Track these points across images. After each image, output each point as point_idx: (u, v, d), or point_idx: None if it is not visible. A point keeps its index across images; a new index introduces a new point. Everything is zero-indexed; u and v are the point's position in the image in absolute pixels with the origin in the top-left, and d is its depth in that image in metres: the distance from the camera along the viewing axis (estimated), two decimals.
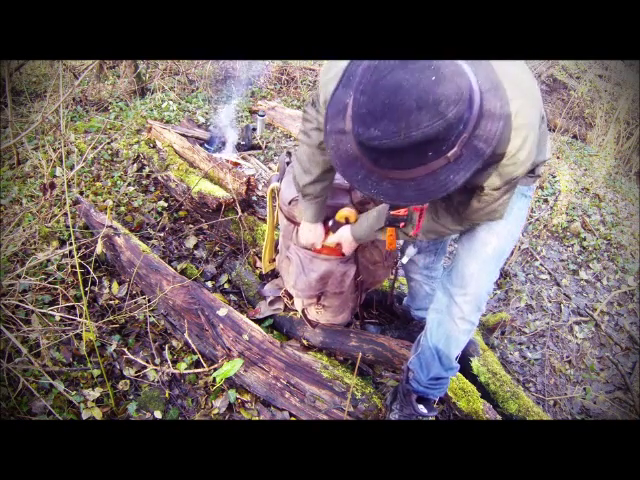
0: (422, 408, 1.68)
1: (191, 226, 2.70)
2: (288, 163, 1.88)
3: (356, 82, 0.90)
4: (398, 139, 0.84)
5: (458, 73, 0.87)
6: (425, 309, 1.83)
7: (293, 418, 1.80)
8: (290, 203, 1.72)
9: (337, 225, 1.65)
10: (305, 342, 2.05)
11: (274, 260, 2.22)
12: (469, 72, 0.90)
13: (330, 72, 1.18)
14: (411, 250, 1.55)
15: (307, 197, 1.52)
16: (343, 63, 1.12)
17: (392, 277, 2.12)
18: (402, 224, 1.44)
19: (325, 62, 1.26)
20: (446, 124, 0.85)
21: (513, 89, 1.00)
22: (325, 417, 1.75)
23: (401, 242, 1.87)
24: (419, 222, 1.37)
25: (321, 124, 1.31)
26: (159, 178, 2.92)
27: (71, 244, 2.05)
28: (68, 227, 2.30)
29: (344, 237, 1.64)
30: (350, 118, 0.93)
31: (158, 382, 1.85)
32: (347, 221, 1.63)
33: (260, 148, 3.66)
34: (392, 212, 1.42)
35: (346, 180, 1.02)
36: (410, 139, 0.84)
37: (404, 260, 1.66)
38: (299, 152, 1.45)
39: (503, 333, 2.50)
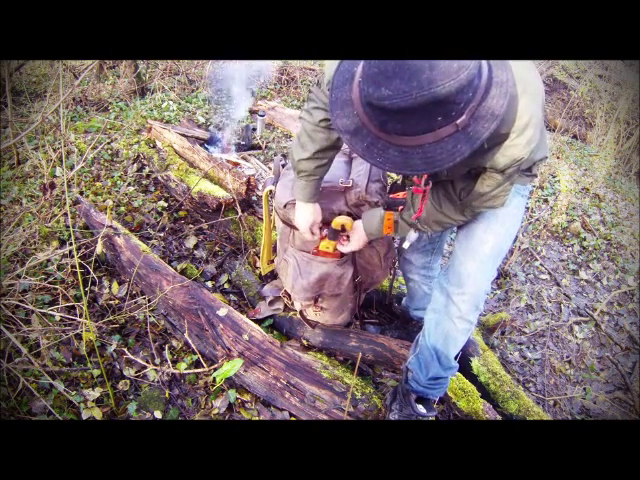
0: (421, 408, 1.68)
1: (191, 226, 2.70)
2: (283, 166, 1.88)
3: None
4: (409, 98, 0.84)
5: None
6: (424, 309, 1.83)
7: (293, 418, 1.80)
8: (285, 206, 1.71)
9: (333, 232, 1.65)
10: (305, 342, 2.05)
11: (272, 261, 2.22)
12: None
13: None
14: (412, 235, 1.54)
15: (301, 174, 1.50)
16: None
17: (391, 277, 2.12)
18: (400, 208, 1.44)
19: None
20: (457, 85, 0.85)
21: (517, 75, 1.02)
22: (325, 417, 1.75)
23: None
24: (421, 205, 1.35)
25: (323, 103, 1.35)
26: (159, 178, 2.92)
27: (71, 244, 2.05)
28: (68, 227, 2.30)
29: (356, 231, 1.61)
30: (357, 84, 0.94)
31: (158, 382, 1.85)
32: (343, 228, 1.63)
33: (260, 148, 3.66)
34: (391, 195, 1.42)
35: (351, 149, 1.02)
36: (422, 98, 0.84)
37: (405, 245, 1.62)
38: (299, 129, 1.47)
39: (503, 333, 2.50)
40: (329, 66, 1.23)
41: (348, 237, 1.66)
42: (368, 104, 0.91)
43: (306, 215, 1.60)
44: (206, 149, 3.34)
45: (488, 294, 1.65)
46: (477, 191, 1.25)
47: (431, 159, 0.94)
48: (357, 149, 1.00)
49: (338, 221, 1.62)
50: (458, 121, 0.90)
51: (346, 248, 1.67)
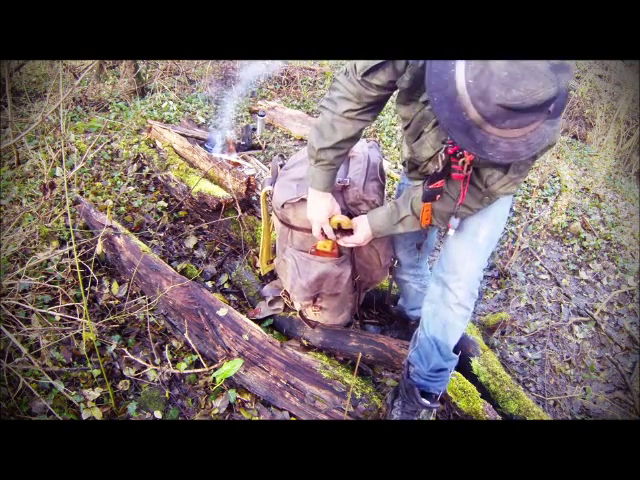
0: (425, 400, 1.69)
1: (191, 226, 2.70)
2: (281, 166, 1.88)
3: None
4: (538, 96, 0.94)
5: None
6: (418, 308, 1.84)
7: (293, 418, 1.80)
8: (283, 206, 1.71)
9: (331, 231, 1.64)
10: (305, 342, 2.05)
11: (272, 261, 2.22)
12: None
13: None
14: (454, 221, 1.55)
15: (320, 162, 1.50)
16: None
17: (390, 277, 2.12)
18: (438, 196, 1.47)
19: None
20: (571, 77, 0.98)
21: None
22: (325, 417, 1.75)
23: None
24: (463, 191, 1.41)
25: (350, 93, 1.37)
26: (159, 178, 2.92)
27: (71, 244, 2.05)
28: (68, 227, 2.30)
29: (360, 225, 1.61)
30: (466, 88, 1.00)
31: (158, 382, 1.85)
32: (339, 227, 1.63)
33: (260, 148, 3.67)
34: (430, 185, 1.44)
35: (462, 145, 1.09)
36: (547, 95, 0.94)
37: (450, 232, 1.63)
38: (320, 118, 1.47)
39: (503, 333, 2.50)
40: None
41: (350, 231, 1.64)
42: (499, 105, 0.97)
43: (325, 204, 1.58)
44: (206, 149, 3.34)
45: (481, 282, 1.69)
46: (505, 179, 1.35)
47: (531, 144, 1.05)
48: (469, 146, 1.07)
49: (335, 220, 1.62)
50: (550, 107, 1.00)
51: (349, 240, 1.65)
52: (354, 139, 1.49)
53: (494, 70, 0.96)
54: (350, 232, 1.65)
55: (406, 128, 1.50)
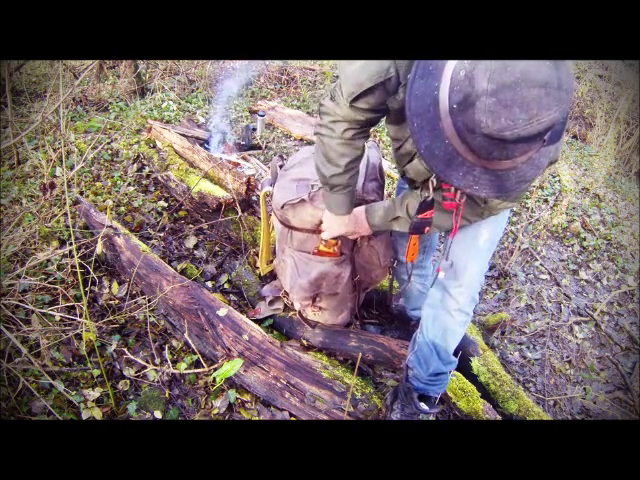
0: (423, 405, 1.69)
1: (191, 226, 2.70)
2: (281, 167, 1.88)
3: (472, 74, 0.86)
4: (529, 127, 0.84)
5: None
6: (420, 308, 1.83)
7: (293, 418, 1.80)
8: (283, 207, 1.71)
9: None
10: (305, 342, 2.05)
11: (271, 262, 2.23)
12: None
13: (356, 62, 1.16)
14: (445, 264, 1.53)
15: (336, 188, 1.46)
16: None
17: (390, 277, 2.12)
18: (427, 229, 1.41)
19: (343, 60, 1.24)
20: (568, 106, 0.86)
21: None
22: (325, 417, 1.75)
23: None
24: (456, 223, 1.34)
25: (342, 116, 1.29)
26: (159, 178, 2.92)
27: (71, 244, 2.05)
28: (68, 227, 2.30)
29: (356, 220, 1.59)
30: (449, 112, 0.90)
31: (158, 382, 1.85)
32: None
33: (260, 148, 3.67)
34: (420, 216, 1.37)
35: (444, 179, 0.99)
36: (541, 125, 0.84)
37: (441, 275, 1.63)
38: (321, 146, 1.40)
39: (503, 333, 2.50)
40: (350, 76, 1.18)
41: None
42: (485, 136, 0.88)
43: (347, 228, 1.58)
44: (206, 149, 3.34)
45: (482, 286, 1.66)
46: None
47: (522, 177, 0.95)
48: (451, 180, 0.98)
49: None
50: (545, 136, 0.90)
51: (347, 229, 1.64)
52: (361, 156, 1.44)
53: (481, 95, 0.84)
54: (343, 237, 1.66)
55: (398, 149, 1.43)
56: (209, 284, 2.37)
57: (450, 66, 0.91)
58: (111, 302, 2.11)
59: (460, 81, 0.88)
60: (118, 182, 2.87)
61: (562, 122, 0.92)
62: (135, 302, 2.06)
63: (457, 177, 0.96)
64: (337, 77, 1.31)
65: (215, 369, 1.85)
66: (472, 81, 0.86)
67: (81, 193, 2.68)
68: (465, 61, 0.88)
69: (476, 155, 0.92)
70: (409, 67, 1.10)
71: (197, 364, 1.95)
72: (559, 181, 3.78)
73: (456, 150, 0.94)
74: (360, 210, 1.59)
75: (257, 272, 2.40)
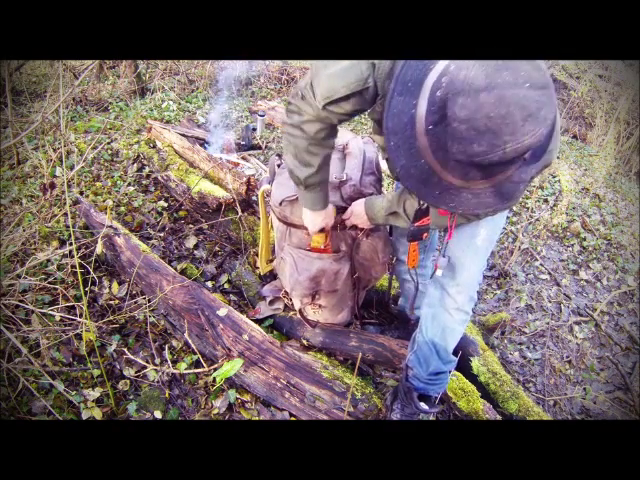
0: (423, 405, 1.69)
1: (191, 226, 2.70)
2: (279, 165, 1.88)
3: (446, 95, 0.84)
4: (502, 153, 0.81)
5: (540, 71, 0.83)
6: (419, 308, 1.83)
7: (293, 418, 1.80)
8: (281, 204, 1.71)
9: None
10: (305, 342, 2.05)
11: (271, 261, 2.22)
12: (544, 67, 0.86)
13: (333, 66, 1.12)
14: (442, 261, 1.53)
15: (310, 187, 1.46)
16: (346, 61, 1.10)
17: (388, 276, 2.12)
18: (425, 235, 1.41)
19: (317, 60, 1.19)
20: (546, 131, 0.83)
21: None
22: (325, 417, 1.75)
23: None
24: (451, 229, 1.33)
25: (315, 116, 1.25)
26: (159, 178, 2.92)
27: (71, 244, 2.05)
28: (68, 227, 2.30)
29: (357, 210, 1.61)
30: (425, 132, 0.88)
31: (158, 382, 1.85)
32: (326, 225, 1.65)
33: (260, 148, 3.67)
34: (416, 223, 1.36)
35: (420, 198, 0.98)
36: (514, 152, 0.82)
37: (439, 273, 1.63)
38: (291, 147, 1.36)
39: (503, 333, 2.50)
40: (326, 79, 1.15)
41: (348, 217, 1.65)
42: (455, 161, 0.86)
43: (324, 220, 1.60)
44: (206, 148, 3.34)
45: (481, 284, 1.67)
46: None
47: (502, 194, 0.93)
48: (428, 199, 0.96)
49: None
50: (526, 155, 0.87)
51: (346, 216, 1.65)
52: (332, 151, 1.42)
53: (454, 120, 0.82)
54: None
55: (387, 159, 1.41)
56: (209, 284, 2.37)
57: (429, 83, 0.89)
58: (111, 302, 2.11)
59: (436, 102, 0.86)
60: (118, 182, 2.87)
61: (547, 136, 0.88)
62: (135, 302, 2.06)
63: (434, 196, 0.95)
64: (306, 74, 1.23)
65: (215, 369, 1.85)
66: (447, 103, 0.84)
67: (81, 193, 2.68)
68: (443, 78, 0.86)
69: (452, 175, 0.91)
70: (388, 79, 1.08)
71: (197, 364, 1.95)
72: (559, 181, 3.78)
73: (432, 170, 0.92)
74: (360, 203, 1.60)
75: (257, 272, 2.40)
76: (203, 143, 3.41)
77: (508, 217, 3.28)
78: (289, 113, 1.32)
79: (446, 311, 1.55)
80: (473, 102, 0.80)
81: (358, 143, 1.88)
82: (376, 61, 1.08)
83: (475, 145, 0.81)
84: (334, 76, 1.13)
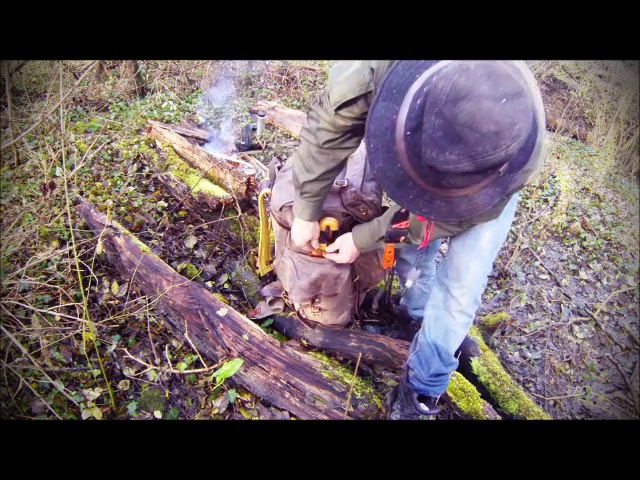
0: (423, 406, 1.69)
1: (191, 226, 2.70)
2: (279, 168, 1.88)
3: (421, 102, 0.87)
4: (474, 163, 0.84)
5: (520, 90, 0.85)
6: (422, 308, 1.83)
7: (293, 418, 1.80)
8: (281, 209, 1.71)
9: (320, 234, 1.67)
10: (305, 342, 2.05)
11: (271, 262, 2.23)
12: (524, 86, 0.87)
13: (343, 73, 1.19)
14: (414, 272, 1.55)
15: (305, 195, 1.50)
16: (357, 65, 1.15)
17: (389, 277, 2.12)
18: (402, 238, 1.45)
19: (332, 67, 1.27)
20: (519, 146, 0.85)
21: (535, 98, 1.01)
22: (325, 417, 1.75)
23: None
24: (427, 234, 1.37)
25: (327, 123, 1.32)
26: (159, 178, 2.92)
27: (71, 244, 2.05)
28: (68, 227, 2.30)
29: (345, 245, 1.63)
30: (403, 137, 0.91)
31: (158, 382, 1.85)
32: (328, 229, 1.65)
33: (260, 148, 3.67)
34: (394, 225, 1.39)
35: (394, 201, 1.01)
36: (486, 163, 0.84)
37: (408, 284, 1.65)
38: (302, 149, 1.43)
39: (503, 333, 2.50)
40: (336, 85, 1.21)
41: (336, 251, 1.68)
42: (428, 167, 0.89)
43: (304, 233, 1.62)
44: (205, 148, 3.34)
45: (485, 287, 1.68)
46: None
47: (474, 205, 0.95)
48: (402, 201, 0.99)
49: (324, 223, 1.64)
50: (501, 169, 0.90)
51: (337, 258, 1.69)
52: (338, 169, 1.46)
53: (429, 127, 0.84)
54: (340, 233, 1.67)
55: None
56: (209, 284, 2.37)
57: (412, 91, 0.91)
58: (111, 302, 2.11)
59: (416, 109, 0.88)
60: (118, 182, 2.87)
61: (524, 152, 0.92)
62: (135, 302, 2.06)
63: (407, 199, 0.98)
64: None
65: (215, 369, 1.85)
66: (424, 111, 0.86)
67: (81, 193, 2.68)
68: (425, 87, 0.88)
69: (425, 181, 0.93)
70: None
71: (197, 364, 1.95)
72: (559, 181, 3.78)
73: (407, 174, 0.95)
74: (347, 238, 1.62)
75: (257, 272, 2.40)
76: (203, 143, 3.41)
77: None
78: (309, 119, 1.38)
79: (449, 313, 1.54)
80: (448, 112, 0.83)
81: (360, 148, 1.88)
82: (374, 66, 1.12)
83: (447, 153, 0.84)
84: (342, 82, 1.19)
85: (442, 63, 0.91)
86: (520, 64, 1.07)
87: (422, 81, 0.90)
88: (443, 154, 0.84)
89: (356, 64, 1.17)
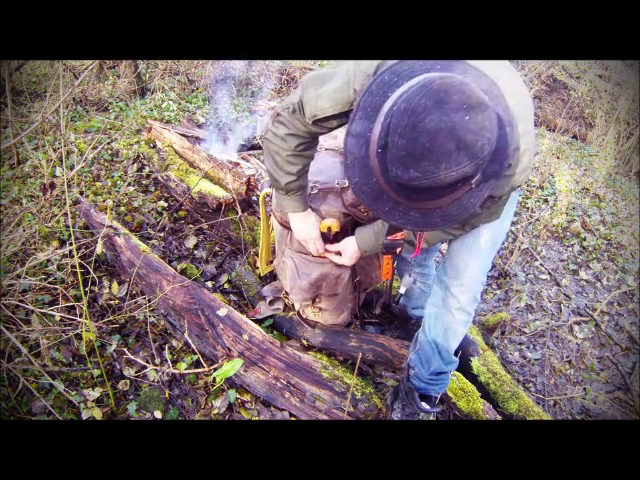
0: (425, 405, 1.69)
1: (191, 226, 2.70)
2: None
3: (388, 122, 0.91)
4: (437, 179, 0.87)
5: (484, 106, 0.88)
6: (421, 308, 1.83)
7: (293, 418, 1.80)
8: (281, 210, 1.71)
9: (321, 235, 1.66)
10: (305, 342, 2.05)
11: (271, 262, 2.23)
12: (488, 102, 0.90)
13: (322, 87, 1.20)
14: (407, 279, 1.57)
15: (291, 192, 1.51)
16: (339, 82, 1.16)
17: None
18: (399, 249, 1.48)
19: (308, 76, 1.26)
20: (482, 162, 0.89)
21: (512, 99, 1.03)
22: (325, 417, 1.75)
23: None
24: (419, 243, 1.42)
25: (299, 130, 1.33)
26: (159, 178, 2.92)
27: (71, 244, 2.04)
28: (68, 227, 2.30)
29: (349, 247, 1.63)
30: (376, 154, 0.95)
31: (158, 382, 1.85)
32: (330, 230, 1.65)
33: (260, 148, 3.66)
34: (389, 237, 1.43)
35: (372, 212, 1.04)
36: (449, 178, 0.87)
37: (402, 290, 1.68)
38: (273, 154, 1.42)
39: (503, 333, 2.50)
40: (313, 99, 1.22)
41: (338, 253, 1.68)
42: (397, 184, 0.93)
43: (306, 225, 1.61)
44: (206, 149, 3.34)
45: (484, 286, 1.69)
46: (476, 213, 1.28)
47: (449, 216, 0.99)
48: (378, 213, 1.03)
49: (325, 224, 1.64)
50: (473, 181, 0.93)
51: (339, 260, 1.69)
52: (311, 160, 1.48)
53: (392, 147, 0.89)
54: (342, 234, 1.67)
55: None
56: (209, 284, 2.37)
57: (384, 110, 0.94)
58: (111, 302, 2.11)
59: (385, 128, 0.92)
60: (118, 182, 2.87)
61: (494, 162, 0.94)
62: (135, 302, 2.06)
63: (384, 211, 1.02)
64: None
65: (215, 369, 1.85)
66: (389, 132, 0.90)
67: (81, 193, 2.68)
68: (394, 107, 0.91)
69: (397, 195, 0.97)
70: None
71: (197, 364, 1.95)
72: (559, 181, 3.78)
73: (382, 188, 0.99)
74: (350, 241, 1.62)
75: (257, 272, 2.40)
76: (202, 143, 3.41)
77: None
78: (276, 123, 1.37)
79: (449, 311, 1.55)
80: (410, 132, 0.87)
81: None
82: (358, 88, 1.14)
83: (411, 171, 0.88)
84: (323, 96, 1.20)
85: (412, 82, 0.93)
86: (502, 67, 1.08)
87: (393, 100, 0.93)
88: (407, 172, 0.88)
89: (337, 80, 1.18)
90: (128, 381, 1.84)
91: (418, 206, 0.98)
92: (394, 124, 0.89)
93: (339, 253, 1.67)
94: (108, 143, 3.17)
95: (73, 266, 2.07)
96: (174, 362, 1.91)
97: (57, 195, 2.45)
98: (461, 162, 0.86)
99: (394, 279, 2.19)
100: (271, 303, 2.22)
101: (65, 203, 2.32)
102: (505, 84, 1.01)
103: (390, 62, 1.01)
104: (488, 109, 0.88)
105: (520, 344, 2.47)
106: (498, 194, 1.19)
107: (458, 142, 0.85)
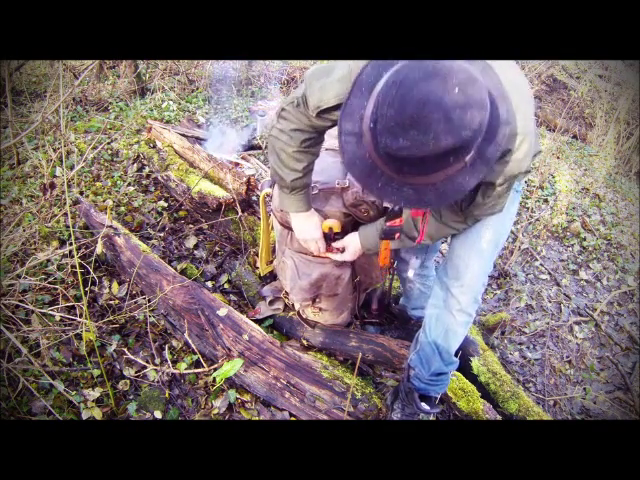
0: (425, 405, 1.69)
1: (191, 226, 2.70)
2: None
3: (379, 96, 0.92)
4: (426, 149, 0.88)
5: (475, 81, 0.90)
6: (421, 308, 1.83)
7: (293, 418, 1.80)
8: (282, 210, 1.71)
9: (323, 235, 1.66)
10: (305, 342, 2.05)
11: (271, 262, 2.23)
12: (481, 79, 0.92)
13: (323, 78, 1.21)
14: (415, 262, 1.56)
15: (296, 190, 1.50)
16: (341, 72, 1.17)
17: (389, 277, 2.12)
18: (397, 235, 1.47)
19: (310, 70, 1.27)
20: (471, 133, 0.89)
21: (513, 92, 1.03)
22: (325, 417, 1.75)
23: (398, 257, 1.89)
24: (422, 228, 1.39)
25: (305, 125, 1.33)
26: (159, 178, 2.92)
27: (71, 244, 2.04)
28: (68, 227, 2.30)
29: (352, 247, 1.63)
30: (369, 129, 0.95)
31: (158, 382, 1.85)
32: (331, 230, 1.64)
33: (260, 148, 3.67)
34: (388, 223, 1.42)
35: (365, 189, 1.04)
36: (438, 149, 0.88)
37: (410, 274, 1.66)
38: (279, 150, 1.42)
39: (503, 333, 2.50)
40: (317, 90, 1.22)
41: (342, 249, 1.67)
42: (386, 154, 0.93)
43: (309, 225, 1.60)
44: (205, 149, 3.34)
45: (485, 287, 1.69)
46: (478, 202, 1.28)
47: (443, 193, 0.99)
48: (371, 189, 1.03)
49: (326, 224, 1.64)
50: (466, 158, 0.94)
51: (341, 257, 1.68)
52: (317, 157, 1.48)
53: (382, 118, 0.90)
54: (342, 234, 1.67)
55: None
56: (209, 284, 2.37)
57: (378, 87, 0.95)
58: (111, 302, 2.11)
59: (378, 102, 0.92)
60: (118, 182, 2.87)
61: (489, 142, 0.95)
62: (135, 302, 2.06)
63: (376, 187, 1.01)
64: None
65: (215, 369, 1.85)
66: (379, 103, 0.91)
67: (81, 193, 2.68)
68: (385, 81, 0.92)
69: (389, 169, 0.98)
70: None
71: (197, 364, 1.95)
72: (559, 181, 3.78)
73: (375, 163, 0.99)
74: (353, 238, 1.62)
75: (257, 272, 2.40)
76: (203, 143, 3.41)
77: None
78: (280, 119, 1.37)
79: (449, 312, 1.55)
80: (400, 102, 0.88)
81: None
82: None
83: (400, 140, 0.89)
84: (326, 87, 1.21)
85: (405, 61, 0.94)
86: (504, 62, 1.08)
87: (386, 78, 0.94)
88: (397, 141, 0.89)
89: (339, 70, 1.18)
90: (128, 381, 1.84)
91: (411, 181, 0.98)
92: (383, 96, 0.90)
93: (343, 250, 1.67)
94: (108, 143, 3.17)
95: (73, 266, 2.07)
96: (174, 362, 1.91)
97: (57, 195, 2.45)
98: (449, 132, 0.86)
99: (394, 279, 2.19)
100: (271, 303, 2.22)
101: (65, 203, 2.32)
102: (502, 72, 1.02)
103: None
104: (478, 82, 0.89)
105: (520, 344, 2.47)
106: (495, 180, 1.18)
107: (446, 112, 0.85)
